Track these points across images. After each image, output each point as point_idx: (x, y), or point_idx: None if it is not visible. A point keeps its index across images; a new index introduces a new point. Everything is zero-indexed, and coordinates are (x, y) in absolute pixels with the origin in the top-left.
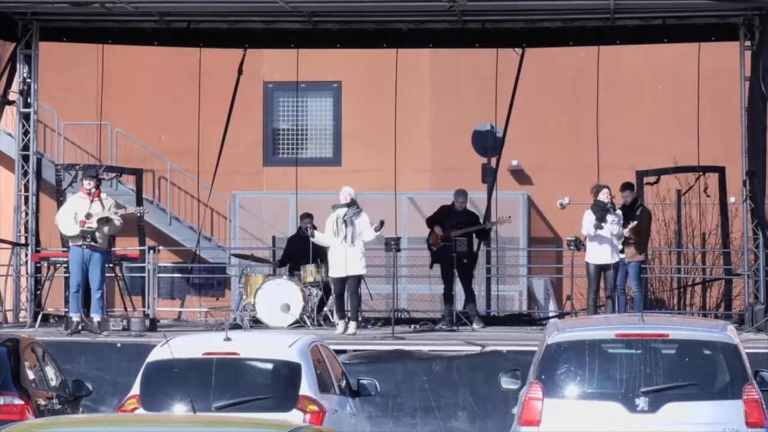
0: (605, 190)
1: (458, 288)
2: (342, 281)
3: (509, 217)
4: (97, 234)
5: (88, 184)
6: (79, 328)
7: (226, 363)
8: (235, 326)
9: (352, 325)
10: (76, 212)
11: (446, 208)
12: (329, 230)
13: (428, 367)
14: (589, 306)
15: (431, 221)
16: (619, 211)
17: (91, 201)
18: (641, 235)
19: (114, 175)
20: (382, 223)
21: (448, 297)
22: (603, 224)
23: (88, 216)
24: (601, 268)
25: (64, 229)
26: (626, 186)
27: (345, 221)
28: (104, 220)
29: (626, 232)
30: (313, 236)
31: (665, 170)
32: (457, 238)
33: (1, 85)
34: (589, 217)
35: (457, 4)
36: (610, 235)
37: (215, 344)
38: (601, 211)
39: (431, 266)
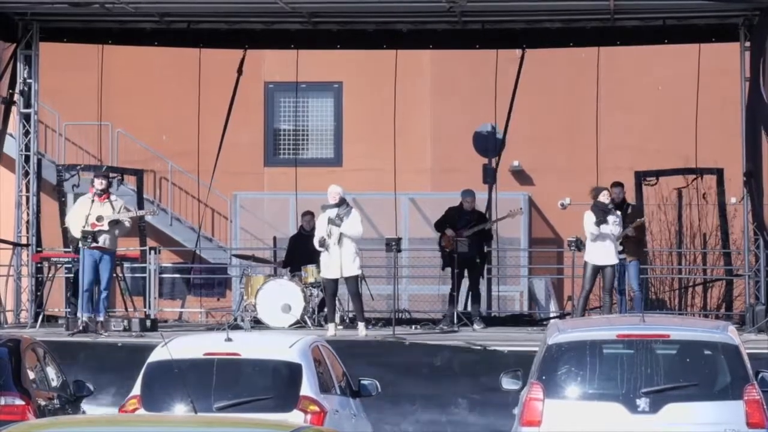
0: (605, 192)
1: (463, 288)
2: (335, 282)
3: (520, 209)
4: (107, 235)
5: (100, 184)
6: (81, 328)
7: (227, 363)
8: (236, 327)
9: (361, 326)
10: (86, 215)
11: (453, 209)
12: (322, 231)
13: (430, 365)
14: (578, 307)
15: (439, 224)
16: (619, 212)
17: (102, 203)
18: (642, 233)
19: (116, 176)
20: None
21: (451, 297)
22: (605, 224)
23: (99, 218)
24: (599, 269)
25: (74, 231)
26: (617, 184)
27: (335, 222)
28: (114, 222)
29: (630, 231)
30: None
31: (664, 171)
32: (458, 239)
33: (2, 86)
34: (590, 218)
35: (457, 5)
36: (611, 236)
37: (216, 345)
38: (602, 213)
39: (443, 268)
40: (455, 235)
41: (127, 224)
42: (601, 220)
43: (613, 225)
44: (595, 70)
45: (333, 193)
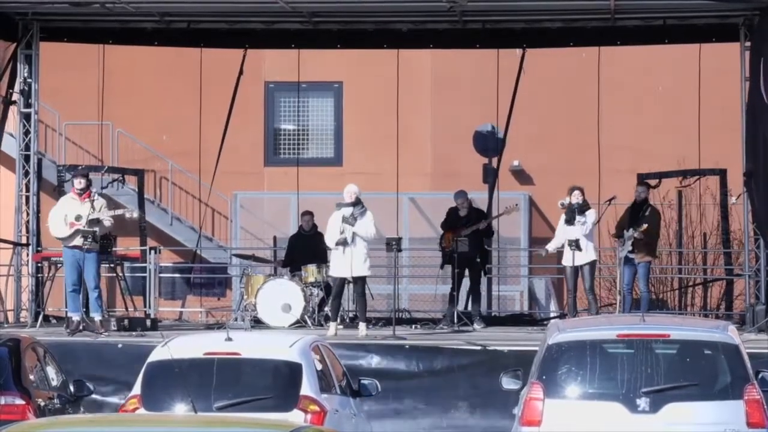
0: (576, 192)
1: (463, 288)
2: (343, 282)
3: (516, 205)
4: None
5: (79, 183)
6: (80, 327)
7: (227, 363)
8: (236, 327)
9: (362, 326)
10: (66, 214)
11: (454, 209)
12: (335, 230)
13: (430, 364)
14: (569, 307)
15: (445, 225)
16: (592, 211)
17: (82, 202)
18: (652, 236)
19: (117, 177)
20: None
21: (451, 297)
22: (572, 225)
23: (78, 218)
24: (576, 270)
25: (54, 231)
26: (642, 182)
27: (349, 221)
28: (94, 222)
29: (637, 234)
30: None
31: (666, 173)
32: (458, 239)
33: (2, 86)
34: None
35: (458, 5)
36: (581, 236)
37: (216, 344)
38: (570, 213)
39: (442, 267)
40: (454, 234)
41: (107, 224)
42: (568, 220)
43: (579, 225)
44: (595, 70)
45: (350, 192)
